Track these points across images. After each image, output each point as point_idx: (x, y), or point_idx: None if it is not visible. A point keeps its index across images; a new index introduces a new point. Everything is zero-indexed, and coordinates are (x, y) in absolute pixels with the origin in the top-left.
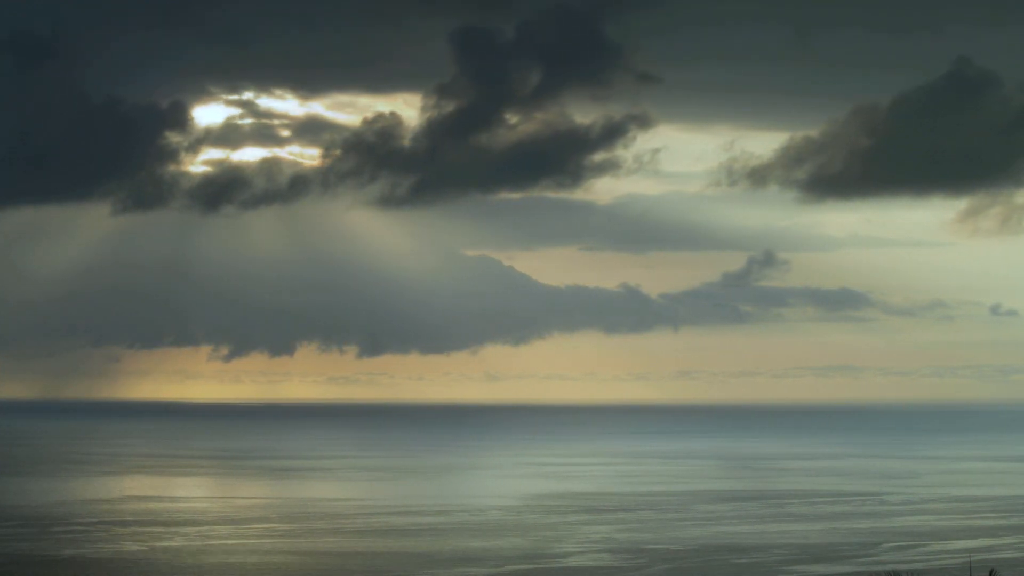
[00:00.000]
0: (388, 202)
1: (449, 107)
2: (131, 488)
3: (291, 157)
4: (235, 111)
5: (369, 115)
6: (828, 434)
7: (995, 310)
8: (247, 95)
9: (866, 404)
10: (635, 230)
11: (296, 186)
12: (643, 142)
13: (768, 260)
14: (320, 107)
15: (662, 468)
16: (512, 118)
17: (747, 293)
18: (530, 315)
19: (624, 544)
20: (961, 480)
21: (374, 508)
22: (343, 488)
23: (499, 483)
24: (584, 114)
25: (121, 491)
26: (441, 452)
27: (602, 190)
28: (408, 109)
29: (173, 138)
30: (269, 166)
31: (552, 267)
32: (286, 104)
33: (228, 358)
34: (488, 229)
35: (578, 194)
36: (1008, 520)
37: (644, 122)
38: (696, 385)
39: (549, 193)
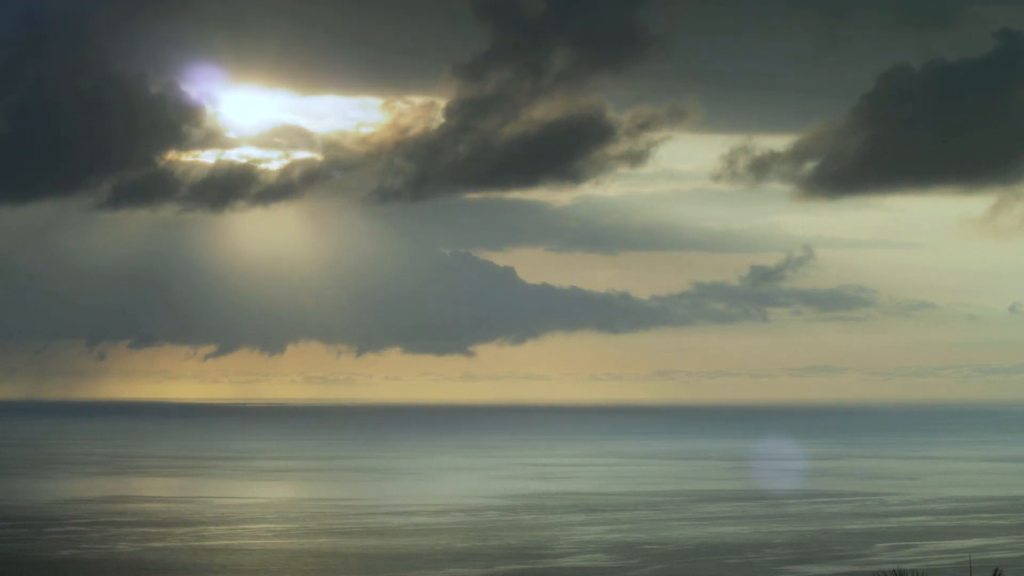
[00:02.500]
0: (383, 200)
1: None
2: (123, 488)
3: (285, 155)
4: (241, 105)
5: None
6: (816, 434)
7: (1014, 309)
8: (252, 88)
9: (854, 404)
10: (599, 231)
11: (291, 184)
12: (648, 137)
13: (761, 260)
14: (309, 105)
15: (647, 469)
16: (520, 107)
17: (733, 293)
18: (518, 315)
19: (617, 544)
20: (957, 480)
21: (365, 508)
22: (333, 488)
23: (482, 484)
24: (588, 107)
25: (113, 491)
26: (418, 452)
27: (557, 192)
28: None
29: (171, 131)
30: (258, 165)
31: (524, 268)
32: (289, 98)
33: (208, 357)
34: (454, 229)
35: (533, 195)
36: (1006, 520)
37: (672, 119)
38: (674, 385)
39: (505, 194)
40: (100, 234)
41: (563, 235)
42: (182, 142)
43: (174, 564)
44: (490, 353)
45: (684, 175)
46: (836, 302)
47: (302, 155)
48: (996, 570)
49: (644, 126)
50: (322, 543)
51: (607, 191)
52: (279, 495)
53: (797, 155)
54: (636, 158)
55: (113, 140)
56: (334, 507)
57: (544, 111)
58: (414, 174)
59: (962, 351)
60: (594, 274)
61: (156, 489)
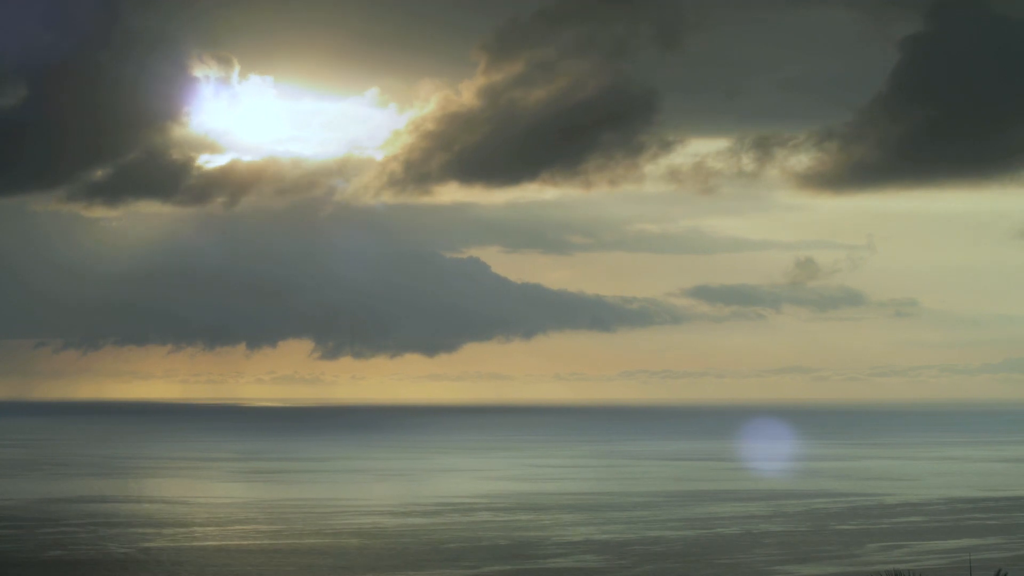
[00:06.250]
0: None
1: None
2: (113, 489)
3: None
4: (233, 103)
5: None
6: (801, 434)
7: None
8: (249, 85)
9: (826, 404)
10: (551, 231)
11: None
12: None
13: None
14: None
15: (635, 469)
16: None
17: (712, 293)
18: (507, 315)
19: (607, 544)
20: (950, 481)
21: (355, 508)
22: (323, 489)
23: (471, 484)
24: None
25: (102, 492)
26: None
27: (495, 194)
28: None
29: (169, 128)
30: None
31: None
32: (287, 97)
33: (171, 353)
34: (413, 229)
35: (470, 196)
36: (1000, 520)
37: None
38: (642, 385)
39: (444, 198)
40: (88, 230)
41: (512, 236)
42: (175, 141)
43: (168, 564)
44: (477, 352)
45: (671, 174)
46: (824, 303)
47: (304, 154)
48: (998, 570)
49: (664, 119)
50: (312, 543)
51: (545, 194)
52: (269, 496)
53: (802, 148)
54: (656, 150)
55: (112, 132)
56: (324, 507)
57: (558, 98)
58: (399, 174)
59: (941, 351)
60: (552, 274)
61: (146, 489)
